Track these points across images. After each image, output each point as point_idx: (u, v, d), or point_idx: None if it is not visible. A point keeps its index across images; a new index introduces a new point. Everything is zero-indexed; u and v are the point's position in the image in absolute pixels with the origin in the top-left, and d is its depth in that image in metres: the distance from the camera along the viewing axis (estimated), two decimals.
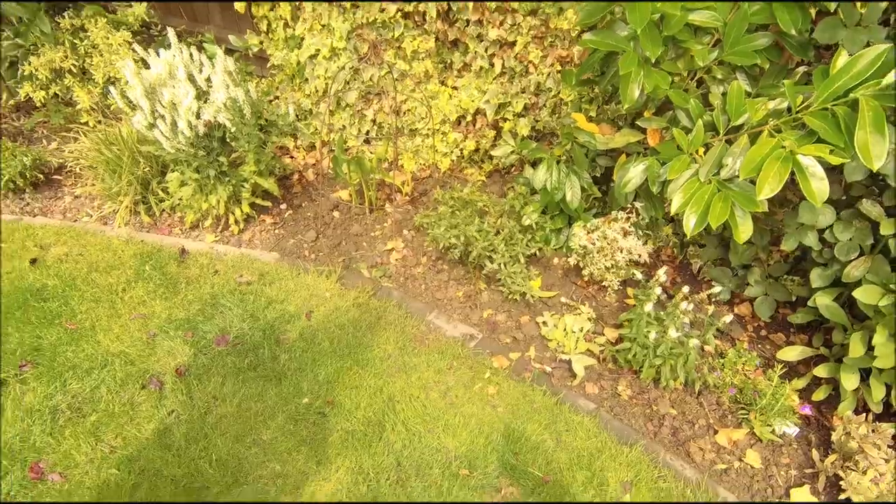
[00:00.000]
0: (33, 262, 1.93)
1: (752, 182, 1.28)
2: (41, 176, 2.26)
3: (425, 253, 2.18)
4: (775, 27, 1.37)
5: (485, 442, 1.51)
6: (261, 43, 2.51)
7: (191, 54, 1.80)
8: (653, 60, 1.33)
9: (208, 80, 1.82)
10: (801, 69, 1.44)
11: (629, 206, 1.83)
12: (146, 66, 1.78)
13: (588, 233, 1.85)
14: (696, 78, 1.57)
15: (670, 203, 1.45)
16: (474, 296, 2.01)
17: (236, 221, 2.17)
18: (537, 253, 2.05)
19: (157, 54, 1.81)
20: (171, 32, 1.79)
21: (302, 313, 1.86)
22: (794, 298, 1.82)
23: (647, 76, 1.36)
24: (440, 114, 2.37)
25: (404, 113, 2.44)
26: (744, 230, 1.31)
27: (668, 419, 1.64)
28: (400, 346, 1.78)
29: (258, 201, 2.20)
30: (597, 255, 1.84)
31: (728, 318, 1.60)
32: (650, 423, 1.64)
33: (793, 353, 1.70)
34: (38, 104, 2.32)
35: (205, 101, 1.83)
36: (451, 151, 2.48)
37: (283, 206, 2.35)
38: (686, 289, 1.65)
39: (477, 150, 2.49)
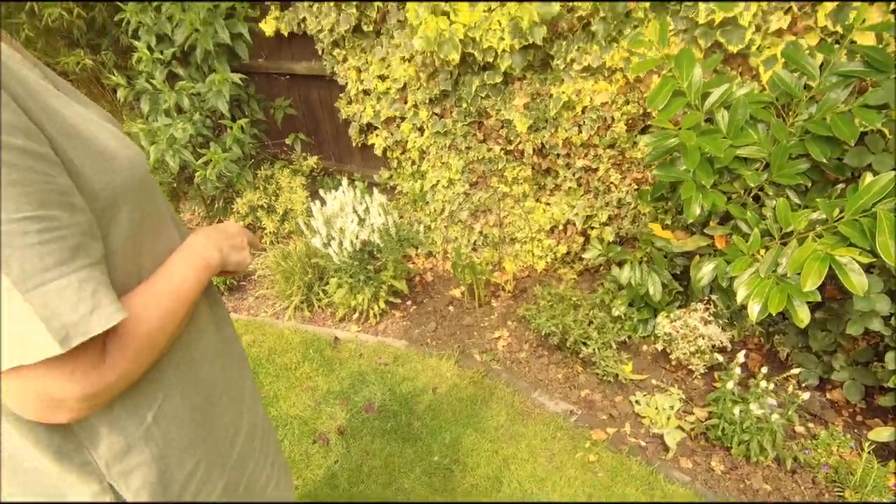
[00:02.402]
0: None
1: None
2: (235, 282, 3.02)
3: (527, 341, 2.56)
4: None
5: (587, 499, 1.76)
6: (390, 177, 3.25)
7: (354, 193, 2.48)
8: (708, 186, 1.73)
9: (366, 209, 2.47)
10: (840, 186, 1.75)
11: (706, 297, 2.12)
12: (322, 202, 2.48)
13: (671, 321, 2.15)
14: (752, 194, 1.93)
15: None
16: (572, 378, 2.32)
17: (375, 315, 2.72)
18: (627, 340, 2.35)
19: (321, 192, 2.51)
20: (344, 181, 2.50)
21: (429, 389, 2.29)
22: (885, 383, 1.94)
23: (705, 197, 1.75)
24: (536, 224, 2.86)
25: (506, 225, 2.97)
26: (802, 316, 1.57)
27: (763, 494, 1.78)
28: (510, 417, 2.12)
29: (391, 299, 2.75)
30: (681, 341, 2.11)
31: (805, 395, 1.78)
32: (744, 496, 1.79)
33: (885, 434, 1.80)
34: None
35: (361, 226, 2.47)
36: (546, 255, 2.93)
37: (409, 303, 2.88)
38: (765, 369, 1.86)
39: (568, 253, 2.91)
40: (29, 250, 0.44)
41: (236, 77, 2.73)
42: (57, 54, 3.01)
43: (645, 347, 2.40)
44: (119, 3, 2.71)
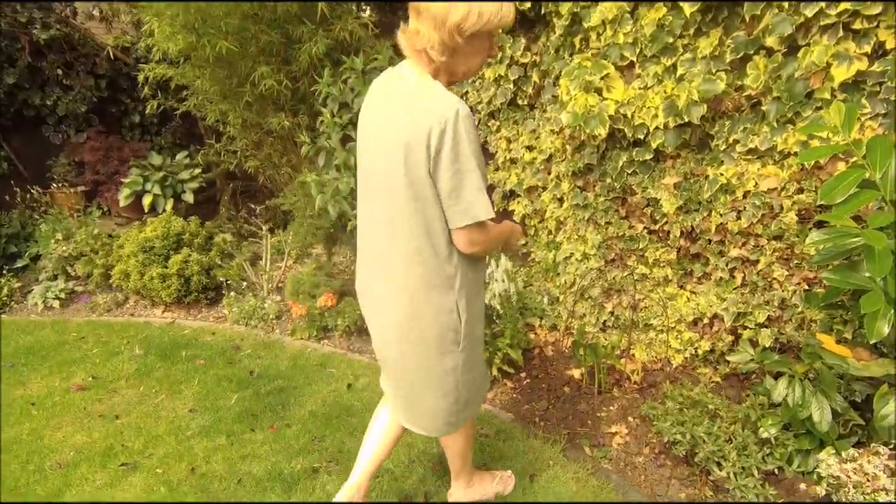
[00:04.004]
0: (349, 386, 2.71)
1: None
2: (362, 324, 3.22)
3: (648, 443, 2.24)
4: None
5: None
6: (525, 244, 3.23)
7: None
8: None
9: (490, 274, 2.48)
10: None
11: (894, 441, 1.65)
12: None
13: (841, 462, 1.71)
14: None
15: None
16: (698, 501, 1.95)
17: None
18: (776, 472, 1.92)
19: None
20: None
21: (527, 473, 2.11)
22: None
23: None
24: (676, 314, 2.57)
25: (641, 309, 2.72)
26: None
27: None
28: None
29: (505, 367, 2.66)
30: (853, 489, 1.66)
31: None
32: None
33: None
34: None
35: (484, 289, 2.47)
36: (685, 349, 2.60)
37: (523, 375, 2.76)
38: None
39: (712, 351, 2.54)
40: (484, 179, 1.25)
41: None
42: (266, 115, 3.67)
43: (802, 486, 1.93)
44: (317, 78, 3.24)
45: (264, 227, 3.86)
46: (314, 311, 3.24)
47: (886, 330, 1.41)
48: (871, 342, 1.40)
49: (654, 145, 2.39)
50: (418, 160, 1.21)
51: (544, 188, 3.07)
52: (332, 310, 3.25)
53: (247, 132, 3.94)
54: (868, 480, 1.63)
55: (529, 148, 3.10)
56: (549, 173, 3.01)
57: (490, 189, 3.47)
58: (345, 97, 3.15)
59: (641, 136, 2.40)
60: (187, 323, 3.49)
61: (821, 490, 1.75)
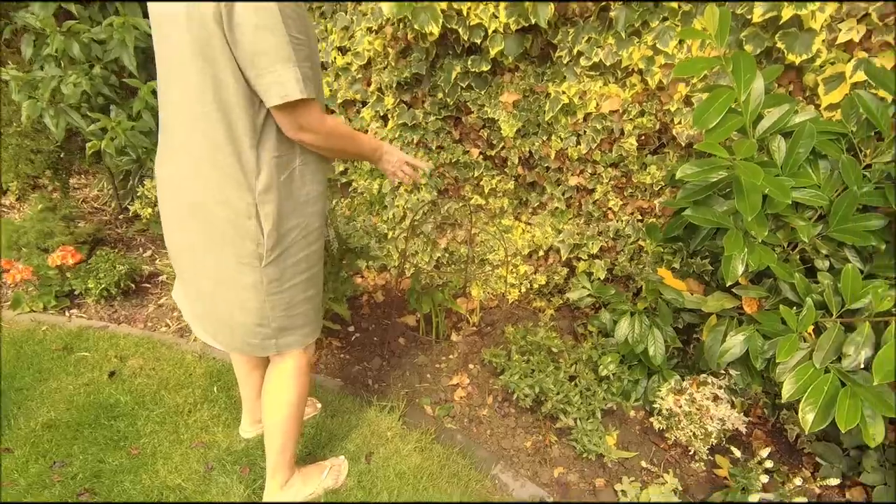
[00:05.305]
0: (111, 374, 1.97)
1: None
2: (132, 284, 2.39)
3: (490, 391, 2.08)
4: (889, 208, 1.31)
5: None
6: (343, 171, 2.69)
7: None
8: (760, 239, 1.29)
9: None
10: None
11: (722, 371, 1.70)
12: None
13: (674, 394, 1.72)
14: (797, 249, 1.51)
15: (775, 382, 1.33)
16: (543, 449, 1.86)
17: None
18: (615, 408, 1.91)
19: None
20: None
21: (362, 454, 1.77)
22: None
23: (752, 253, 1.31)
24: (512, 247, 2.39)
25: (477, 244, 2.48)
26: (875, 432, 1.16)
27: None
28: None
29: (328, 324, 2.21)
30: (684, 419, 1.69)
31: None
32: None
33: None
34: (144, 218, 2.53)
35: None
36: (521, 283, 2.46)
37: (351, 329, 2.35)
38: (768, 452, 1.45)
39: (547, 283, 2.46)
40: (299, 51, 1.00)
41: (147, 24, 2.10)
42: None
43: (633, 413, 1.97)
44: None
45: None
46: (47, 271, 2.29)
47: (740, 270, 1.32)
48: (728, 283, 1.29)
49: (492, 53, 2.01)
50: (205, 11, 0.95)
51: (364, 103, 2.52)
52: (80, 267, 2.34)
53: None
54: (698, 410, 1.66)
55: (342, 50, 2.47)
56: (369, 84, 2.46)
57: None
58: None
59: (478, 41, 2.00)
60: None
61: (657, 424, 1.76)
